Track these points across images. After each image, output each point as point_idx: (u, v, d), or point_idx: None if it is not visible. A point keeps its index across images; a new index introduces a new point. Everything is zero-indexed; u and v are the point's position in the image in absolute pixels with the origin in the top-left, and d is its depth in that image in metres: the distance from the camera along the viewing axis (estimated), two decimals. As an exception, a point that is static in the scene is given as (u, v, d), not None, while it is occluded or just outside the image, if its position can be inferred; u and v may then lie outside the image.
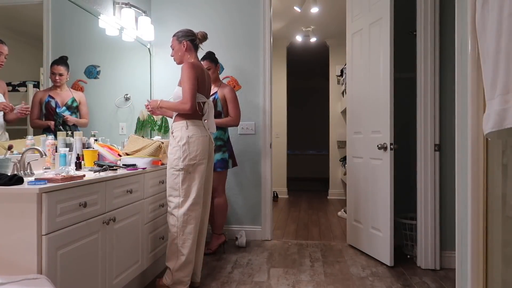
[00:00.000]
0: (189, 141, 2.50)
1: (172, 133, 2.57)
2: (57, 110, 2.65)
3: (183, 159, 2.49)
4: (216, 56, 3.66)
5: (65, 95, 2.72)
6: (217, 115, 3.47)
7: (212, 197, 3.49)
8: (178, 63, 2.70)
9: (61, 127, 2.67)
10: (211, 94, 3.48)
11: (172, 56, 2.71)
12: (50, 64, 2.61)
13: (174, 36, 2.68)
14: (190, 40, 2.65)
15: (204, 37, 2.72)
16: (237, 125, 3.56)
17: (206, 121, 2.66)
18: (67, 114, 2.72)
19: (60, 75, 2.66)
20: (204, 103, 2.63)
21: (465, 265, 2.02)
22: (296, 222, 4.82)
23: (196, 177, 2.53)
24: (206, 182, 2.68)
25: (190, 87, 2.48)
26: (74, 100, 2.76)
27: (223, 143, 3.46)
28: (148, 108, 2.75)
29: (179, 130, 2.53)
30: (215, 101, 3.45)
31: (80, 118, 2.88)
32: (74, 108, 2.77)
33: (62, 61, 2.69)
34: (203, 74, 2.63)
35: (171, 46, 2.70)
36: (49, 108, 2.61)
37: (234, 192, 3.99)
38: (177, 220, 2.51)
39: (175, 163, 2.51)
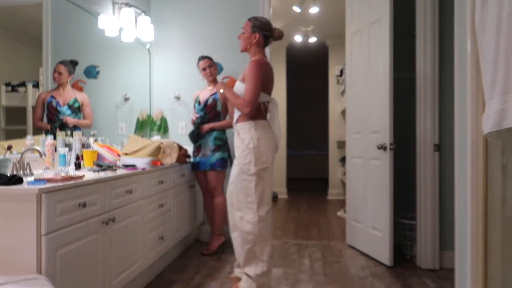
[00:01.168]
0: (259, 144, 2.38)
1: (238, 134, 2.45)
2: (58, 109, 2.65)
3: (255, 163, 2.37)
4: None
5: (67, 95, 2.72)
6: (217, 115, 3.50)
7: (212, 197, 3.50)
8: (242, 50, 2.58)
9: (57, 130, 2.66)
10: (211, 94, 3.49)
11: (239, 38, 2.57)
12: (50, 64, 2.61)
13: (250, 20, 2.53)
14: (264, 35, 2.50)
15: (280, 37, 2.56)
16: None
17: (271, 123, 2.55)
18: (68, 113, 2.72)
19: (59, 73, 2.66)
20: (268, 102, 2.52)
21: (464, 265, 2.03)
22: (296, 222, 4.82)
23: (267, 181, 2.42)
24: None
25: (254, 88, 2.38)
26: (76, 100, 2.76)
27: (222, 143, 3.49)
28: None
29: (247, 131, 2.41)
30: (215, 102, 3.47)
31: (84, 119, 2.88)
32: (76, 109, 2.76)
33: (66, 61, 2.70)
34: (270, 72, 2.52)
35: (242, 28, 2.55)
36: (51, 108, 2.61)
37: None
38: (254, 227, 2.39)
39: (247, 168, 2.38)
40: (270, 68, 2.53)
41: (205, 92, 3.56)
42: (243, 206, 2.43)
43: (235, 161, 2.50)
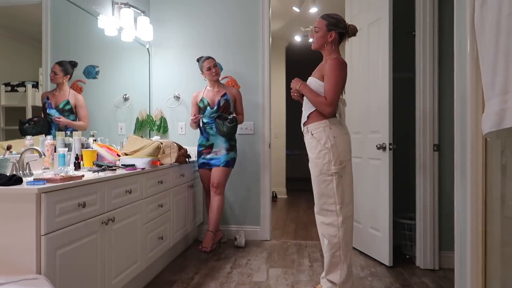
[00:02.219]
0: (336, 142, 2.32)
1: (312, 134, 2.37)
2: (48, 112, 2.61)
3: (334, 162, 2.30)
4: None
5: (61, 97, 2.69)
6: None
7: (215, 193, 3.49)
8: (315, 48, 2.49)
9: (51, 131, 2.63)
10: (221, 96, 3.49)
11: (311, 37, 2.49)
12: (50, 64, 2.61)
13: (324, 19, 2.43)
14: (340, 33, 2.42)
15: (354, 33, 2.46)
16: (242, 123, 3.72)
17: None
18: (57, 116, 2.66)
19: (55, 73, 2.63)
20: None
21: (464, 265, 2.03)
22: (295, 222, 4.82)
23: (347, 179, 2.35)
24: None
25: (337, 89, 2.33)
26: (67, 103, 2.71)
27: (234, 143, 3.57)
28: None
29: (322, 131, 2.34)
30: (228, 103, 3.50)
31: (78, 121, 2.83)
32: (66, 111, 2.71)
33: (64, 61, 2.69)
34: (347, 71, 2.46)
35: (314, 27, 2.45)
36: (44, 109, 2.60)
37: (233, 192, 3.99)
38: (337, 230, 2.32)
39: (326, 168, 2.31)
40: (347, 67, 2.47)
41: (210, 93, 3.56)
42: (326, 208, 2.36)
43: (311, 164, 2.40)
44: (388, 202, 3.08)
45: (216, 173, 3.48)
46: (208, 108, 3.51)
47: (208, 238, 3.47)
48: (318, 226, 2.45)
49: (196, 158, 3.65)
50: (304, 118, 2.45)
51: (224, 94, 3.51)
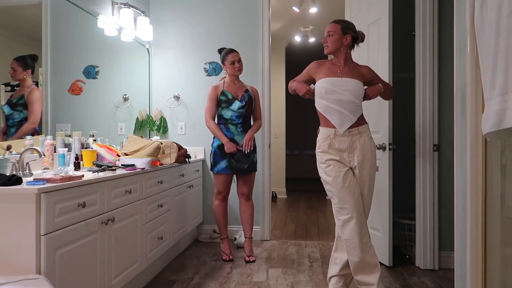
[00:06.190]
0: None
1: (369, 135, 2.44)
2: (2, 107, 2.38)
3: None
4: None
5: (19, 92, 2.47)
6: (251, 114, 3.36)
7: (248, 199, 3.38)
8: (329, 51, 2.46)
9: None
10: (244, 91, 3.28)
11: (325, 42, 2.46)
12: (50, 64, 2.60)
13: (337, 23, 2.44)
14: (353, 37, 2.45)
15: (363, 39, 2.53)
16: None
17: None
18: (8, 112, 2.42)
19: (14, 70, 2.42)
20: None
21: (464, 265, 2.03)
22: (295, 222, 4.82)
23: None
24: None
25: None
26: (21, 97, 2.47)
27: (255, 144, 3.38)
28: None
29: (369, 131, 2.46)
30: (251, 100, 3.30)
31: (28, 118, 2.52)
32: (19, 106, 2.47)
33: (22, 57, 2.47)
34: None
35: (328, 32, 2.44)
36: None
37: (233, 191, 3.98)
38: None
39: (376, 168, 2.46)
40: None
41: (232, 88, 3.27)
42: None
43: (367, 164, 2.39)
44: (388, 202, 3.07)
45: (246, 181, 3.30)
46: (237, 101, 3.21)
47: (250, 245, 3.34)
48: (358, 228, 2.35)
49: (213, 161, 3.27)
50: (350, 121, 2.39)
51: (247, 90, 3.28)
